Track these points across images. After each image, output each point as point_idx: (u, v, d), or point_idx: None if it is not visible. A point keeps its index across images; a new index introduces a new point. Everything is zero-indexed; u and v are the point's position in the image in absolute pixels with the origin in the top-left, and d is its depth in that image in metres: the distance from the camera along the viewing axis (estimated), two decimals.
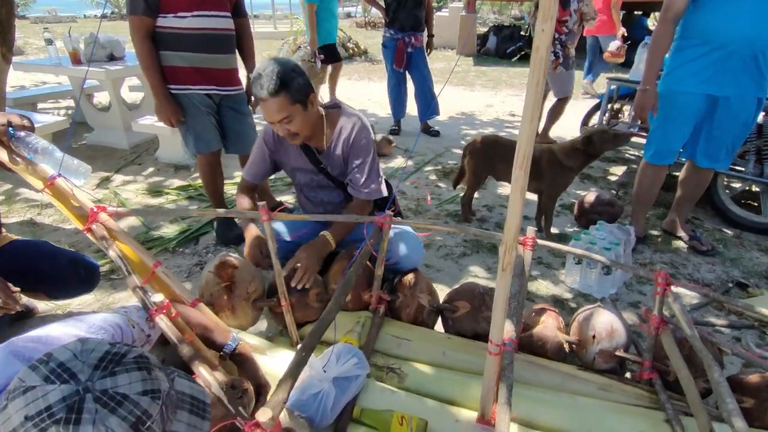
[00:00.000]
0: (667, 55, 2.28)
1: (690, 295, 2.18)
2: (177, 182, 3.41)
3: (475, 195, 3.11)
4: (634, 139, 3.61)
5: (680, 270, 2.43)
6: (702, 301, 2.06)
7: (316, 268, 1.63)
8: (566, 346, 1.54)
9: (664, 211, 3.02)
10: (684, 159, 2.58)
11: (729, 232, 2.86)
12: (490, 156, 2.64)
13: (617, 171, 3.89)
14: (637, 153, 4.14)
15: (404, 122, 4.89)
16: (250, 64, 2.48)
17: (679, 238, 2.70)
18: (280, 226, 1.89)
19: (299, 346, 1.20)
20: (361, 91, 7.17)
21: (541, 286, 2.24)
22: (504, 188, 3.40)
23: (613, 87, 3.63)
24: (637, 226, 2.60)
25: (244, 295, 1.54)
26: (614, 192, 3.39)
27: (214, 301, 1.52)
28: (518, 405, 1.24)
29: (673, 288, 1.40)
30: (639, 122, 3.57)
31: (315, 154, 1.81)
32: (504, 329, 1.11)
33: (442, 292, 1.90)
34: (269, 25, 14.56)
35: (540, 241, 1.55)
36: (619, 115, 4.27)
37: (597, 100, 4.29)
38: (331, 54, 4.92)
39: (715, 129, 2.26)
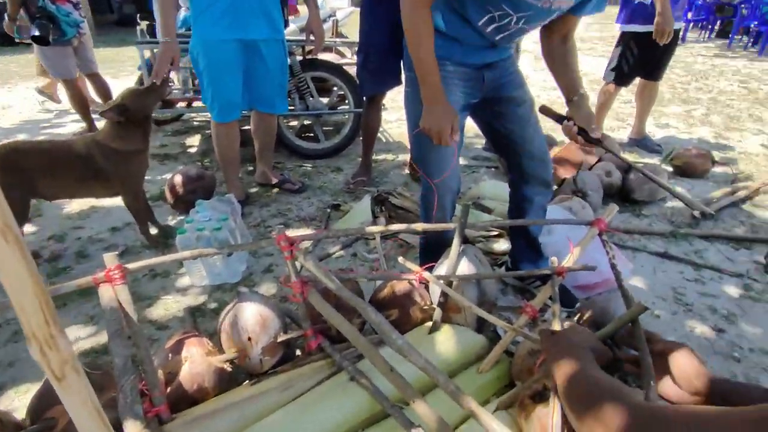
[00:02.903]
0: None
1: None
2: None
3: (32, 228, 2.25)
4: (198, 102, 3.42)
5: (289, 215, 2.50)
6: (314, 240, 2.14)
7: None
8: (227, 367, 1.24)
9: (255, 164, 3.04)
10: (248, 110, 2.56)
11: (307, 164, 3.18)
12: (23, 170, 1.82)
13: (194, 141, 3.67)
14: (206, 117, 4.01)
15: None
16: None
17: (275, 185, 2.77)
18: None
19: None
20: None
21: (168, 305, 1.82)
22: (71, 205, 2.58)
23: (147, 53, 3.21)
24: (235, 190, 2.48)
25: None
26: (200, 164, 3.17)
27: None
28: None
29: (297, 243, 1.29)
30: (192, 86, 3.38)
31: None
32: None
33: None
34: None
35: (132, 266, 1.11)
36: (170, 83, 3.97)
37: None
38: None
39: (260, 74, 2.28)
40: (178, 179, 2.42)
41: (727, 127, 4.14)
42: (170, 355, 1.20)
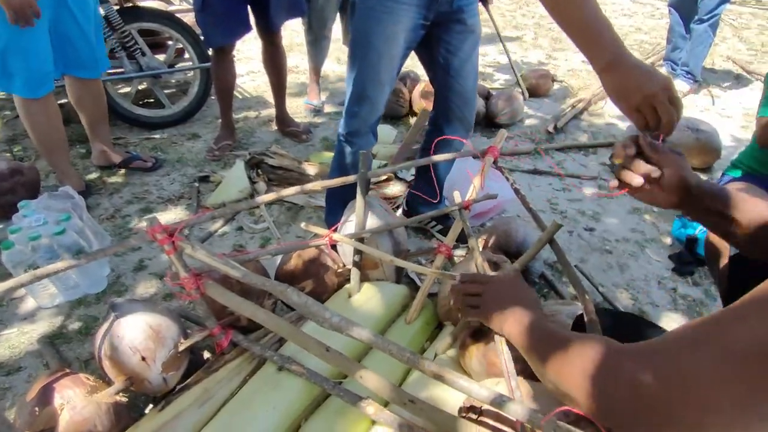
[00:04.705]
0: None
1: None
2: None
3: None
4: None
5: (149, 198, 2.13)
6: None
7: None
8: (121, 398, 1.01)
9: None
10: (61, 77, 2.04)
11: (156, 135, 2.71)
12: None
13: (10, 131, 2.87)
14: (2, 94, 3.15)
15: None
16: None
17: (120, 165, 2.31)
18: None
19: None
20: None
21: (13, 340, 1.43)
22: None
23: None
24: (71, 180, 2.01)
25: None
26: (9, 155, 2.50)
27: None
28: None
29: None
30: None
31: None
32: None
33: None
34: None
35: None
36: None
37: None
38: None
39: (72, 29, 1.80)
40: None
41: (554, 48, 4.60)
42: (37, 408, 0.92)
